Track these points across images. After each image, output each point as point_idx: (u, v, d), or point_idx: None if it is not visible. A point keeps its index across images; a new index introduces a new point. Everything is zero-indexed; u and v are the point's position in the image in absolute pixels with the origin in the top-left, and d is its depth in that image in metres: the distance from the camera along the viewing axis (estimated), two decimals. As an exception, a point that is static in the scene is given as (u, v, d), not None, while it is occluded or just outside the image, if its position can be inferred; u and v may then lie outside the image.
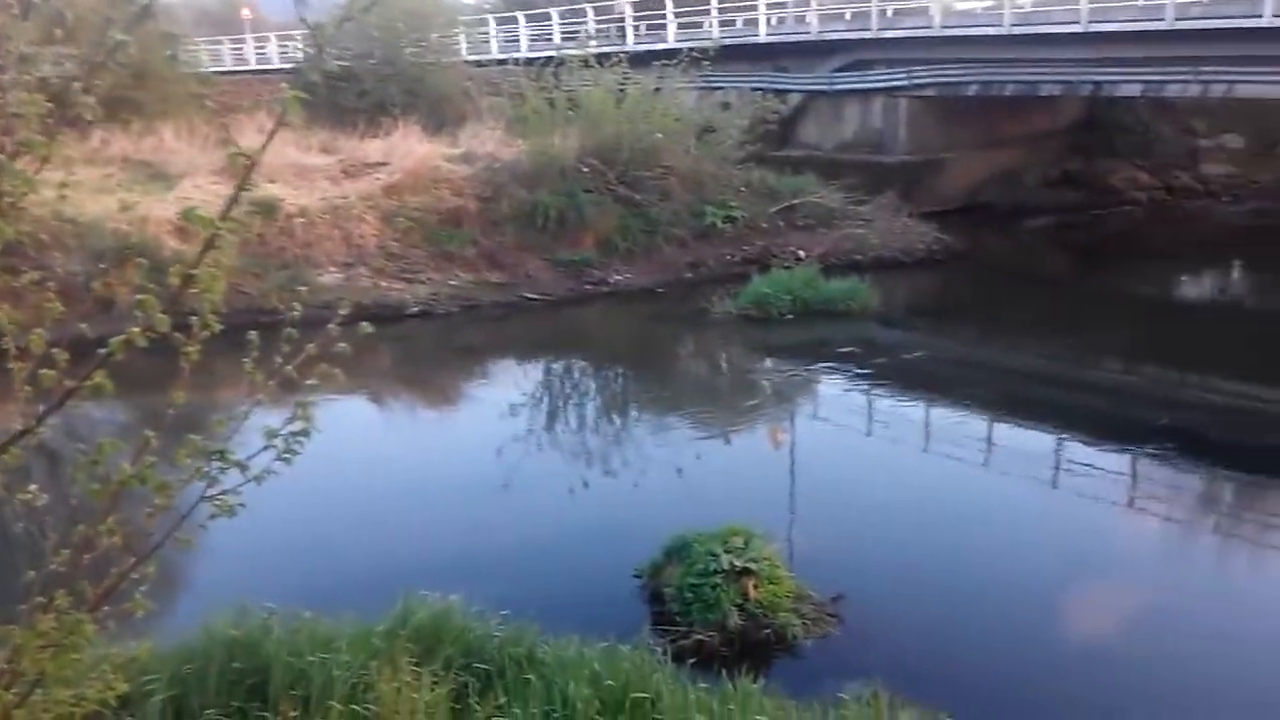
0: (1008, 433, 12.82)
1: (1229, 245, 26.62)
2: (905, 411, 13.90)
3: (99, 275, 14.49)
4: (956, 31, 26.33)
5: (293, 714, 5.55)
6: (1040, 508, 10.76)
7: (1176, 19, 21.67)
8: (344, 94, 28.26)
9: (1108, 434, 12.51)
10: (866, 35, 27.76)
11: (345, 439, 12.08)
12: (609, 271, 20.75)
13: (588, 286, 20.34)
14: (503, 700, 5.89)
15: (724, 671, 6.64)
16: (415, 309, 18.41)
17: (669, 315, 19.21)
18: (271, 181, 19.74)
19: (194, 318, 3.24)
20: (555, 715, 5.82)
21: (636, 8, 33.02)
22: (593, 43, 26.15)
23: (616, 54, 23.24)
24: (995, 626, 8.11)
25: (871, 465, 12.04)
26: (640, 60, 24.17)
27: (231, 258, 3.24)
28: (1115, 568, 9.23)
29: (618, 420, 14.24)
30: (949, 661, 7.55)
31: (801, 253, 21.49)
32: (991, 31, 25.29)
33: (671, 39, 30.52)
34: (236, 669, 5.95)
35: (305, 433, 3.44)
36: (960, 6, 29.43)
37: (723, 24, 31.44)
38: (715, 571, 7.90)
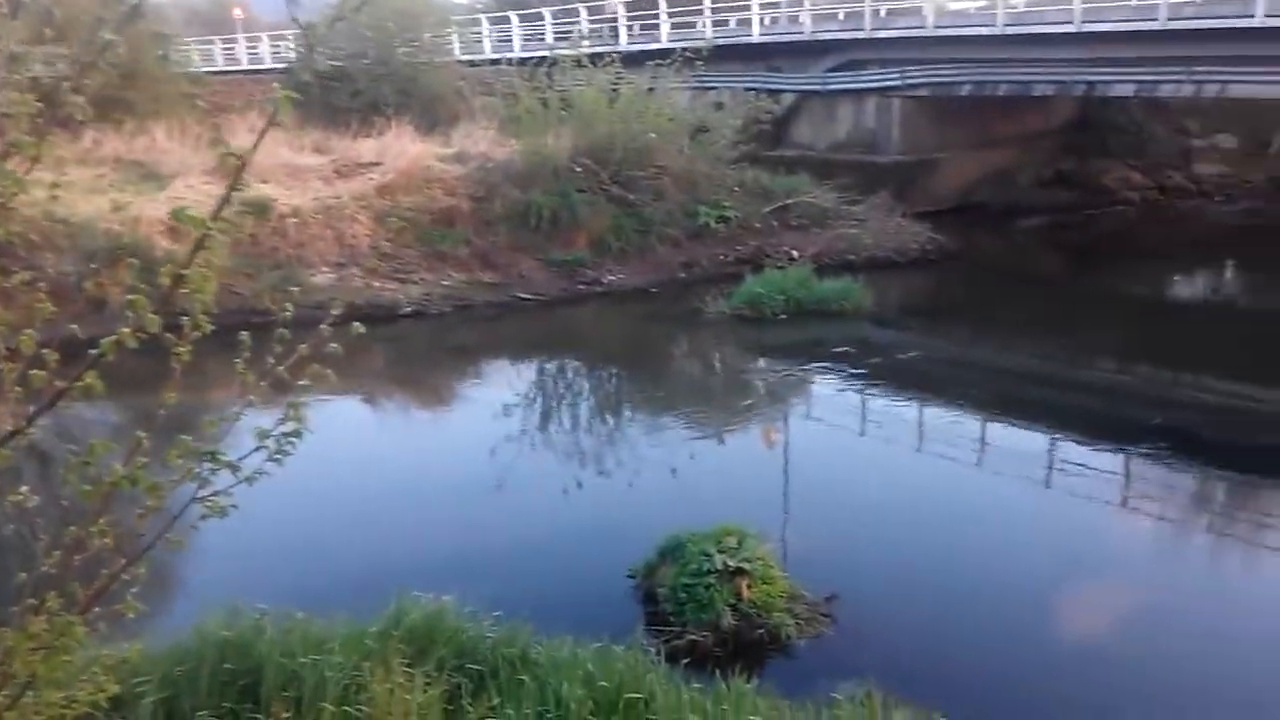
0: (1001, 432, 12.83)
1: (1222, 245, 26.65)
2: (899, 411, 13.91)
3: (91, 275, 14.43)
4: (949, 31, 26.34)
5: (285, 715, 5.54)
6: (1034, 507, 10.77)
7: (1169, 19, 21.69)
8: (337, 94, 28.25)
9: (1101, 433, 12.52)
10: (860, 35, 27.76)
11: (338, 439, 12.07)
12: (602, 271, 20.75)
13: (581, 286, 20.33)
14: (496, 701, 5.88)
15: (718, 672, 6.65)
16: (408, 309, 18.39)
17: (662, 315, 19.20)
18: (264, 181, 19.72)
19: (185, 318, 3.23)
20: (549, 716, 5.82)
21: (630, 7, 33.00)
22: (586, 42, 26.12)
23: (610, 54, 23.21)
24: (989, 626, 8.11)
25: (865, 465, 12.04)
26: (633, 60, 24.14)
27: (223, 258, 3.23)
28: (1108, 567, 9.24)
29: (611, 420, 14.23)
30: (943, 661, 7.55)
31: (795, 253, 21.50)
32: (984, 31, 25.30)
33: (665, 39, 30.51)
34: (228, 670, 5.94)
35: (297, 433, 3.43)
36: (953, 6, 29.49)
37: (716, 24, 31.45)
38: (709, 571, 7.90)
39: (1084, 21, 23.14)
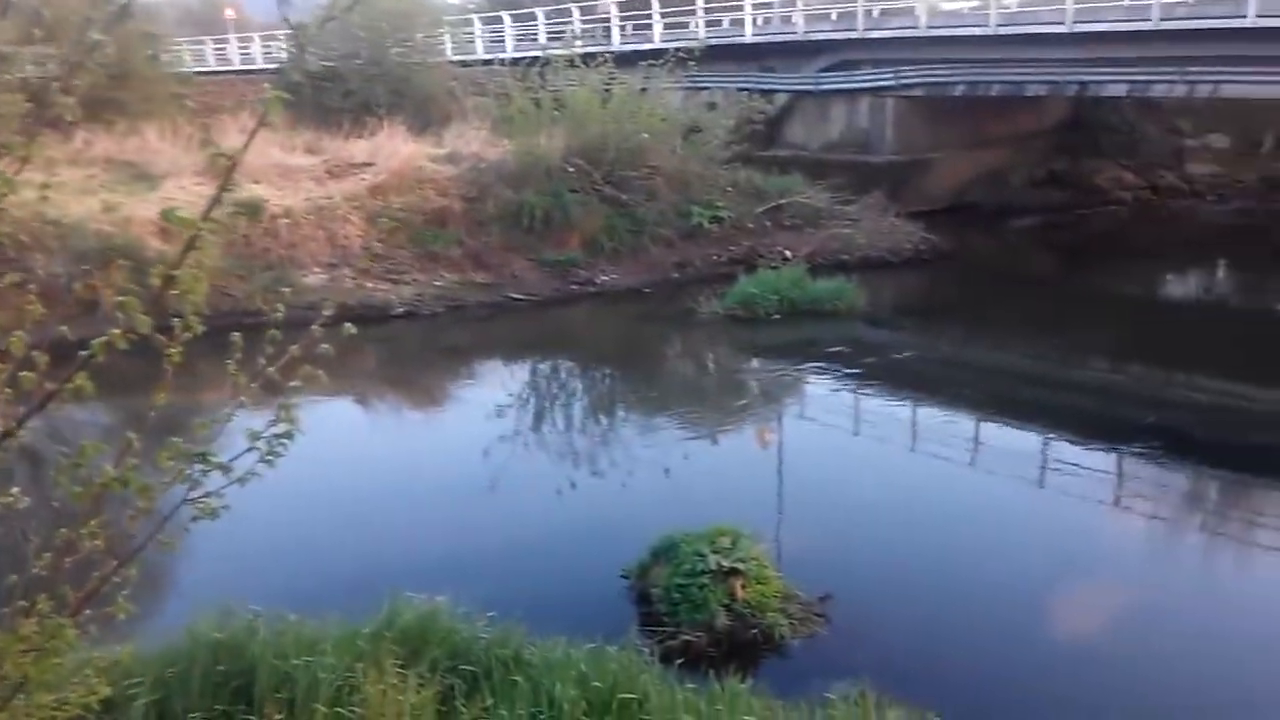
0: (995, 432, 12.85)
1: (1214, 244, 26.73)
2: (892, 411, 13.92)
3: (81, 277, 14.40)
4: (943, 32, 26.36)
5: (277, 717, 5.53)
6: (1027, 507, 10.78)
7: (1162, 19, 21.73)
8: (329, 94, 28.20)
9: (1094, 433, 12.54)
10: (853, 35, 27.79)
11: (331, 440, 12.06)
12: (595, 272, 20.73)
13: (574, 287, 20.32)
14: (489, 702, 5.87)
15: (711, 672, 6.63)
16: (400, 310, 18.37)
17: (656, 315, 19.19)
18: (256, 182, 19.67)
19: (177, 320, 3.22)
20: (542, 716, 5.81)
21: (622, 8, 32.99)
22: (578, 43, 26.11)
23: (602, 54, 23.20)
24: (982, 626, 8.11)
25: (859, 465, 12.04)
26: (626, 60, 24.14)
27: (214, 259, 3.21)
28: (1102, 567, 9.25)
29: (605, 421, 14.22)
30: (936, 661, 7.56)
31: (788, 253, 21.49)
32: (977, 32, 25.33)
33: (657, 39, 30.49)
34: (221, 671, 5.92)
35: (289, 435, 3.42)
36: (946, 7, 29.50)
37: (709, 24, 31.42)
38: (703, 572, 7.89)
39: (1076, 22, 23.17)
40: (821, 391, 14.80)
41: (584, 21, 33.61)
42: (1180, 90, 23.88)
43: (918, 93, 27.28)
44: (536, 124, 22.44)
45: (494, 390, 15.24)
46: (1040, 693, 7.26)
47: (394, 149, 22.44)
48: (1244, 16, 20.26)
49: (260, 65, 38.66)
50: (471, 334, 18.55)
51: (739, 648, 7.55)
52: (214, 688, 5.83)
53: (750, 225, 22.57)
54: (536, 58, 24.21)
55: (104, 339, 3.07)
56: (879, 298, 19.71)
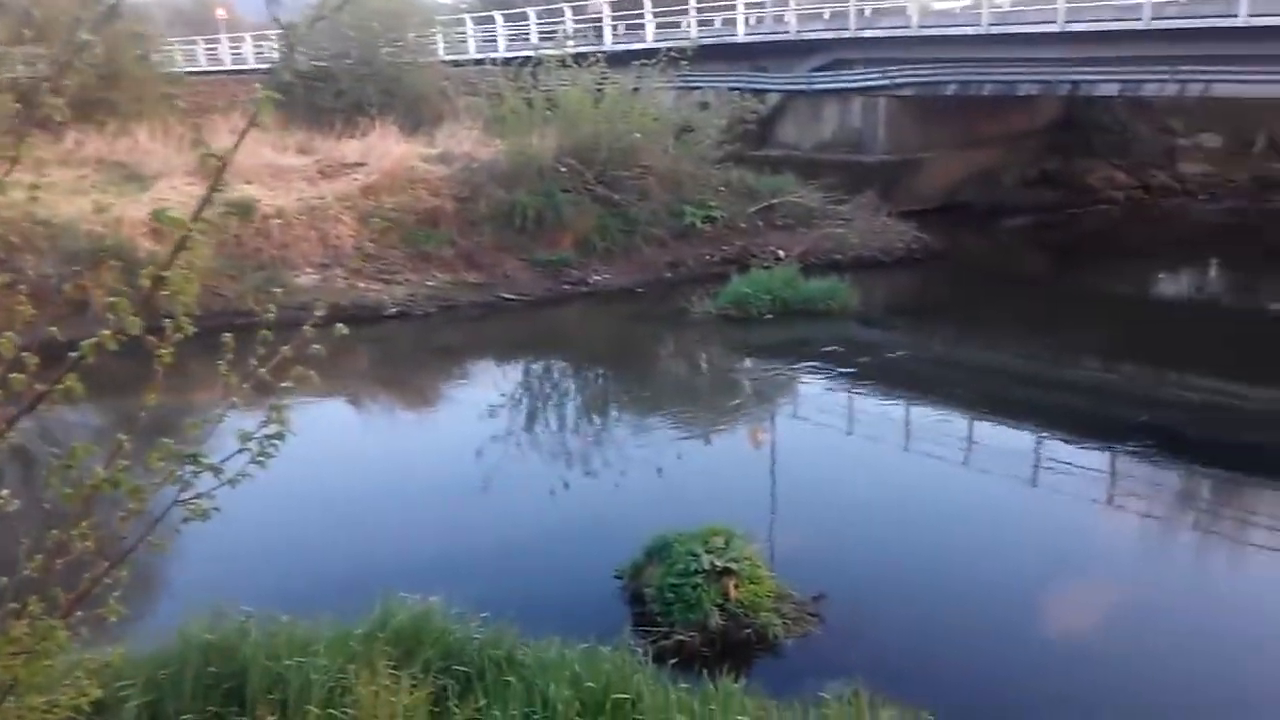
0: (987, 431, 12.86)
1: (1206, 244, 26.78)
2: (885, 410, 13.92)
3: (72, 277, 14.36)
4: (934, 31, 26.38)
5: (270, 718, 5.52)
6: (1020, 506, 10.79)
7: (1153, 18, 21.75)
8: (320, 94, 28.16)
9: (1087, 432, 12.55)
10: (845, 35, 27.78)
11: (324, 441, 12.05)
12: (587, 271, 20.72)
13: (566, 286, 20.31)
14: (482, 702, 5.86)
15: (705, 672, 6.65)
16: (393, 310, 18.34)
17: (648, 315, 19.19)
18: (248, 182, 19.67)
19: (168, 320, 3.21)
20: (535, 717, 5.81)
21: (614, 7, 32.97)
22: (570, 42, 26.10)
23: (594, 54, 23.20)
24: (976, 625, 8.11)
25: (852, 464, 12.04)
26: (618, 60, 24.13)
27: (205, 259, 3.21)
28: (1095, 565, 9.26)
29: (598, 421, 14.21)
30: (930, 660, 7.56)
31: (781, 252, 21.50)
32: (969, 31, 25.35)
33: (650, 39, 30.48)
34: (213, 673, 5.91)
35: (280, 435, 3.42)
36: (938, 6, 29.53)
37: (701, 24, 31.44)
38: (696, 571, 7.89)
39: (1068, 21, 23.20)
40: (814, 391, 14.80)
41: (576, 21, 33.61)
42: (1172, 90, 23.91)
43: (910, 92, 27.29)
44: (529, 124, 22.44)
45: (487, 390, 15.23)
46: (1033, 691, 7.27)
47: (386, 149, 22.42)
48: (1235, 16, 20.30)
49: (252, 65, 38.60)
50: (464, 334, 18.53)
51: (732, 647, 7.55)
52: (206, 689, 5.83)
53: (743, 225, 22.58)
54: (529, 57, 24.19)
55: (94, 340, 3.07)
56: (871, 297, 19.71)
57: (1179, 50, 21.93)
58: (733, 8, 30.16)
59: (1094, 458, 11.91)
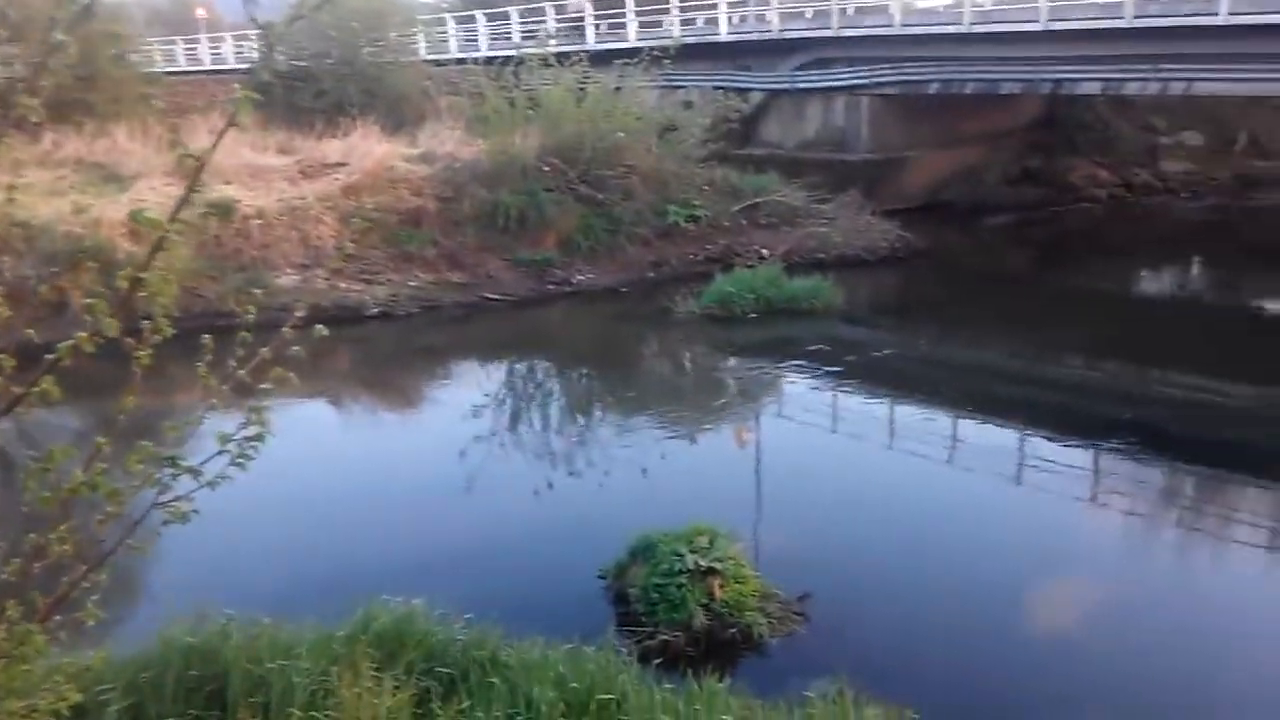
0: (971, 429, 12.88)
1: (1188, 241, 26.91)
2: (869, 409, 13.94)
3: (50, 279, 14.28)
4: (917, 30, 26.40)
5: (251, 721, 5.49)
6: (1004, 504, 10.82)
7: (1135, 17, 21.81)
8: (301, 94, 28.04)
9: (1070, 429, 12.58)
10: (828, 33, 27.79)
11: (306, 442, 12.01)
12: (571, 271, 20.69)
13: (550, 286, 20.28)
14: (466, 704, 5.85)
15: (690, 671, 6.64)
16: (375, 310, 18.28)
17: (632, 315, 19.18)
18: (228, 183, 19.58)
19: (147, 322, 3.18)
20: (520, 718, 5.79)
21: (597, 6, 32.91)
22: (553, 42, 26.05)
23: (577, 53, 23.18)
24: (960, 623, 8.11)
25: (837, 463, 12.05)
26: (601, 59, 24.09)
27: (184, 260, 3.19)
28: (1078, 563, 9.28)
29: (582, 421, 14.19)
30: (915, 658, 7.57)
31: (765, 251, 21.51)
32: (952, 30, 25.38)
33: (632, 38, 30.45)
34: (194, 676, 5.88)
35: (260, 437, 3.39)
36: (921, 5, 29.58)
37: (684, 23, 31.40)
38: (680, 571, 7.88)
39: (1050, 20, 23.25)
40: (799, 390, 14.81)
41: (558, 20, 33.56)
42: (1154, 88, 23.99)
43: (893, 91, 27.33)
44: (511, 123, 22.41)
45: (470, 391, 15.19)
46: (1018, 689, 7.29)
47: (367, 149, 22.35)
48: (1216, 15, 20.37)
49: (232, 65, 38.44)
50: (447, 335, 18.49)
51: (717, 647, 7.55)
52: (187, 693, 5.80)
53: (726, 224, 22.58)
54: (511, 57, 24.14)
55: (70, 342, 3.04)
56: (855, 296, 19.74)
57: (1161, 48, 22.00)
58: (715, 6, 30.14)
59: (1077, 455, 11.94)
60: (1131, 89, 25.00)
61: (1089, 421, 12.90)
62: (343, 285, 18.52)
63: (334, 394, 14.97)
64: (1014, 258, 26.11)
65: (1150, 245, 26.23)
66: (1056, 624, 7.96)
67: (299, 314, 3.54)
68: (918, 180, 28.31)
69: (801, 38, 28.67)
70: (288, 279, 18.40)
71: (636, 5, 31.44)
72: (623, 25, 31.97)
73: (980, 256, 25.59)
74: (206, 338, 3.40)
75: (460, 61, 31.47)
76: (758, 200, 23.23)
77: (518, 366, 16.97)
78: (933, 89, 26.79)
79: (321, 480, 11.43)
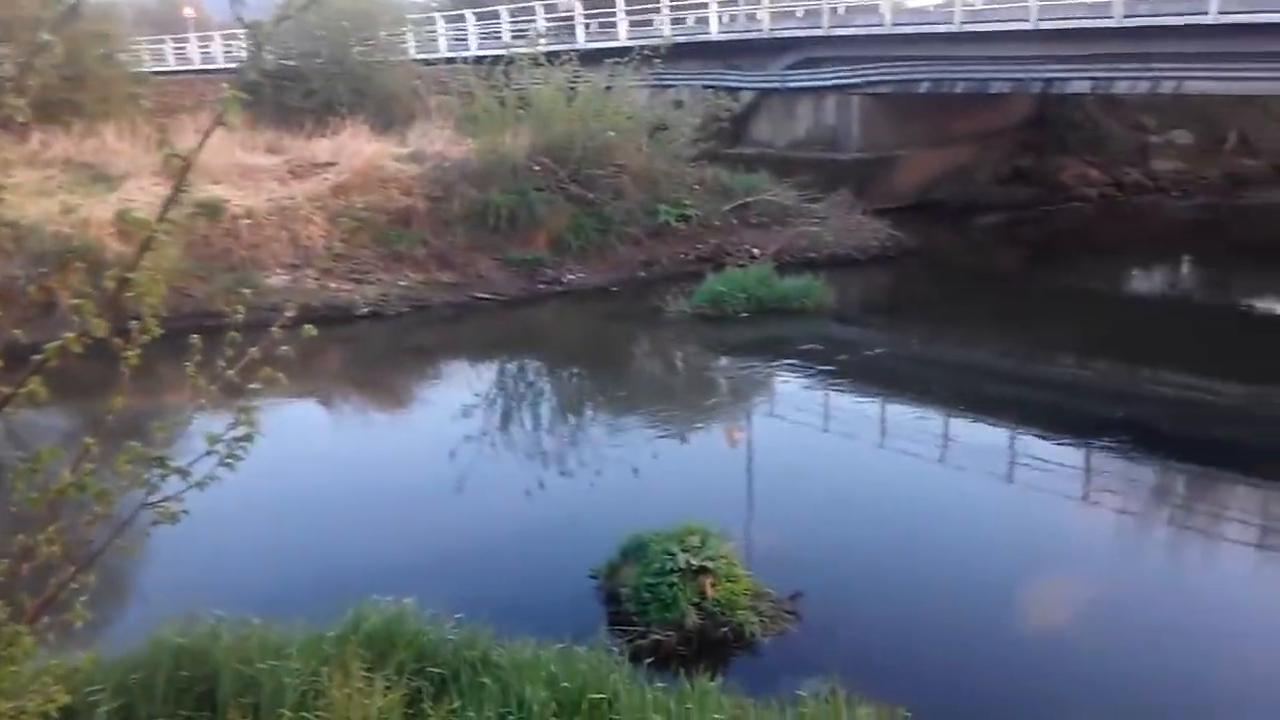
0: (963, 428, 12.87)
1: (1178, 240, 26.96)
2: (861, 408, 13.95)
3: (38, 279, 14.23)
4: (908, 29, 26.40)
5: (241, 722, 5.48)
6: (996, 502, 10.83)
7: (1125, 16, 21.83)
8: (290, 93, 27.98)
9: (1062, 428, 12.60)
10: (818, 33, 27.80)
11: (296, 442, 11.99)
12: (562, 271, 20.67)
13: (541, 286, 20.25)
14: (457, 704, 5.84)
15: (682, 671, 6.62)
16: (365, 310, 18.23)
17: (623, 314, 19.16)
18: (217, 183, 19.53)
19: (135, 322, 3.17)
20: (511, 718, 5.78)
21: (587, 6, 32.90)
22: (543, 41, 26.00)
23: (567, 52, 23.18)
24: (952, 621, 8.11)
25: (829, 462, 12.04)
26: (591, 58, 24.09)
27: (171, 260, 3.18)
28: (1071, 561, 9.29)
29: (573, 420, 14.17)
30: (907, 657, 7.57)
31: (756, 250, 21.51)
32: (942, 29, 25.39)
33: (623, 37, 30.43)
34: (184, 677, 5.87)
35: (249, 438, 3.38)
36: (911, 4, 29.55)
37: (674, 22, 31.37)
38: (672, 570, 7.87)
39: (1040, 19, 23.26)
40: (790, 389, 14.81)
41: (548, 20, 33.53)
42: (1144, 87, 24.01)
43: (883, 90, 27.33)
44: (501, 123, 22.38)
45: (461, 391, 15.17)
46: (1010, 688, 7.29)
47: (357, 148, 22.30)
48: (1205, 14, 20.40)
49: (221, 65, 38.37)
50: (437, 334, 18.46)
51: (709, 646, 7.54)
52: (177, 694, 5.78)
53: (717, 223, 22.57)
54: (500, 56, 24.09)
55: (57, 343, 3.02)
56: (846, 295, 19.74)
57: (1151, 48, 22.03)
58: (705, 6, 30.14)
59: (1069, 453, 11.95)
60: (1121, 88, 25.00)
61: (1080, 420, 12.92)
62: (333, 285, 18.49)
63: (324, 394, 14.94)
64: (1005, 257, 26.13)
65: (1141, 244, 26.28)
66: (1048, 622, 7.97)
67: (288, 314, 3.53)
68: (909, 179, 28.33)
69: (792, 37, 28.67)
70: (277, 279, 18.35)
71: (627, 4, 31.42)
72: (613, 24, 31.96)
73: (971, 255, 25.61)
74: (195, 338, 3.39)
75: (450, 61, 31.41)
76: (748, 199, 23.23)
77: (508, 366, 16.95)
78: (923, 88, 26.80)
79: (312, 480, 11.40)
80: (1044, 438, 12.32)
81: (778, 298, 18.09)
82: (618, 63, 23.00)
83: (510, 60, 23.56)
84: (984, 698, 7.17)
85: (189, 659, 5.98)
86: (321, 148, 22.97)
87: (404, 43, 33.33)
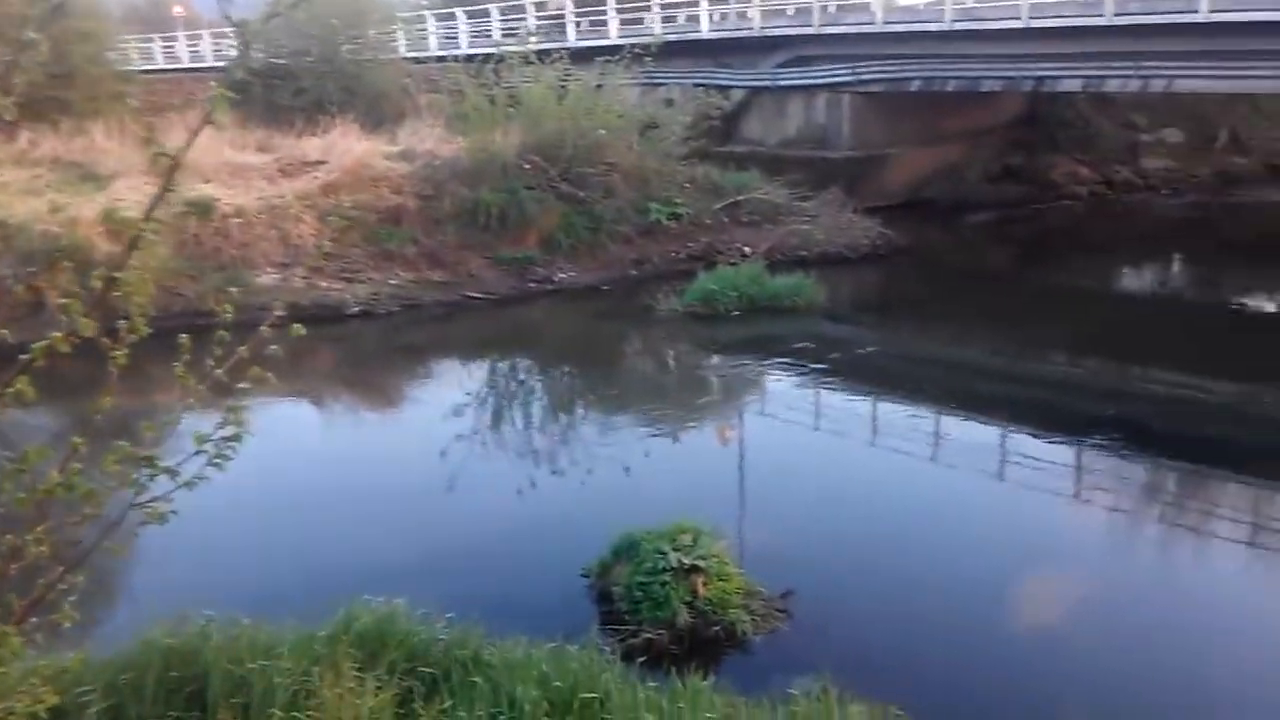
0: (954, 426, 12.88)
1: (1168, 238, 27.00)
2: (852, 406, 13.94)
3: (27, 278, 14.19)
4: (899, 27, 26.43)
5: (232, 722, 5.46)
6: (987, 500, 10.83)
7: (1116, 14, 21.87)
8: (280, 92, 27.91)
9: (1053, 426, 12.60)
10: (809, 31, 27.82)
11: (287, 441, 11.97)
12: (553, 269, 20.65)
13: (531, 284, 20.22)
14: (448, 704, 5.82)
15: (673, 669, 6.62)
16: (355, 309, 18.19)
17: (614, 313, 19.15)
18: (207, 181, 19.47)
19: (123, 321, 3.16)
20: (503, 717, 5.77)
21: (578, 4, 32.87)
22: (533, 39, 25.98)
23: (558, 50, 23.16)
24: (944, 620, 8.10)
25: (820, 460, 12.05)
26: (582, 56, 24.07)
27: (160, 259, 3.17)
28: (1062, 559, 9.30)
29: (564, 419, 14.16)
30: (898, 655, 7.57)
31: (747, 249, 21.51)
32: (933, 27, 25.42)
33: (614, 35, 30.43)
34: (174, 678, 5.84)
35: (237, 437, 3.37)
36: (903, 2, 29.56)
37: (665, 20, 31.35)
38: (664, 569, 7.86)
39: (1031, 17, 23.31)
40: (782, 387, 14.81)
41: (539, 18, 33.49)
42: (1134, 85, 24.04)
43: (874, 89, 27.34)
44: (491, 121, 22.36)
45: (452, 390, 15.14)
46: (1001, 685, 7.29)
47: (347, 147, 22.24)
48: (1196, 12, 20.45)
49: (210, 63, 38.30)
50: (428, 333, 18.44)
51: (701, 645, 7.53)
52: (168, 694, 5.76)
53: (708, 221, 22.56)
54: (491, 54, 24.07)
55: (44, 342, 3.01)
56: (837, 293, 19.76)
57: (1141, 46, 22.06)
58: (696, 4, 30.16)
59: (1060, 451, 11.95)
60: (1112, 86, 25.06)
61: (1071, 418, 12.94)
62: (323, 284, 18.45)
63: (315, 393, 14.91)
64: (995, 255, 26.16)
65: (1131, 242, 26.32)
66: (1040, 620, 7.98)
67: (277, 313, 3.52)
68: (899, 178, 28.35)
69: (783, 35, 28.68)
70: (267, 278, 18.30)
71: (618, 3, 31.42)
72: (604, 23, 31.93)
73: (962, 254, 25.63)
74: (184, 337, 3.37)
75: (440, 59, 31.34)
76: (739, 198, 23.21)
77: (500, 365, 16.93)
78: (914, 86, 26.83)
79: (302, 480, 11.37)
80: (1035, 435, 12.33)
81: (769, 296, 18.09)
82: (608, 61, 22.99)
83: (501, 58, 23.56)
84: (976, 696, 7.18)
85: (179, 659, 5.96)
86: (312, 146, 22.90)
87: (394, 41, 33.25)
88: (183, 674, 5.87)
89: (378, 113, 27.35)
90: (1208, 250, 25.31)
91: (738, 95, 29.37)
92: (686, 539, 8.15)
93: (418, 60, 32.41)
